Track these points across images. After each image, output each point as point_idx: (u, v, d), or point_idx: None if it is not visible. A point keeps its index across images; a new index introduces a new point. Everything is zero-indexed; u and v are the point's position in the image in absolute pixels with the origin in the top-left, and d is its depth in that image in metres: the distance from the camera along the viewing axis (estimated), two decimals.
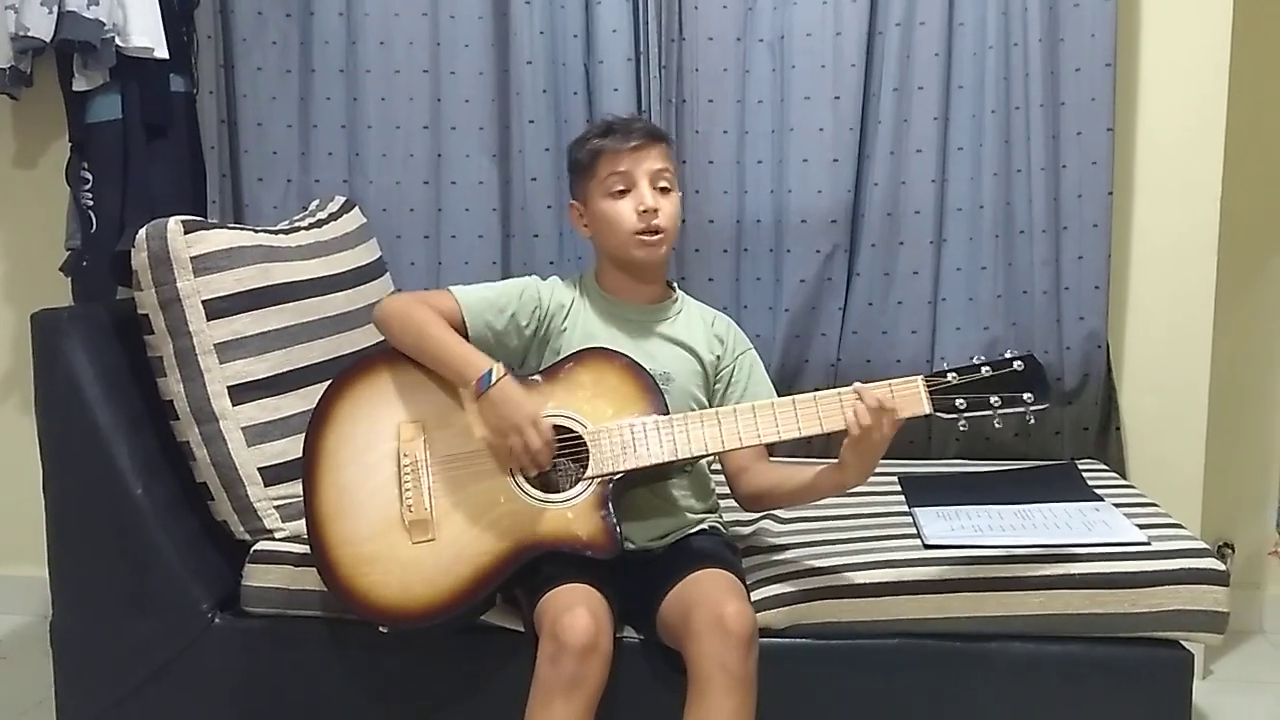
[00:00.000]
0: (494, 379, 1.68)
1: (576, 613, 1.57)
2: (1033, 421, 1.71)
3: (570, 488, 1.71)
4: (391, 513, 1.72)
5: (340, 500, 1.73)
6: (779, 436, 1.70)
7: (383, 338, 1.83)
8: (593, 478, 1.70)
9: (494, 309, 1.82)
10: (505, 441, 1.69)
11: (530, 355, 1.87)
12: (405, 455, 1.74)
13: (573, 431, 1.72)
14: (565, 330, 1.86)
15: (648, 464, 1.70)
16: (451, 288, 1.84)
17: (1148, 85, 2.42)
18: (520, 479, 1.71)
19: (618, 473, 1.69)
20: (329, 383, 1.80)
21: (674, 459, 1.71)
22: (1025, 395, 1.67)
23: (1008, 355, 1.70)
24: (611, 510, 1.68)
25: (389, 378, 1.78)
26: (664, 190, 1.84)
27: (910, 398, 1.66)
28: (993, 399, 1.67)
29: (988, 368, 1.68)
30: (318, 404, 1.79)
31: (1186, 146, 2.41)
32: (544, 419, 1.69)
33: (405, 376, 1.78)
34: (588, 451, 1.71)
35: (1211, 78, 2.38)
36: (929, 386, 1.67)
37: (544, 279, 1.92)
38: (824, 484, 1.74)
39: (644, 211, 1.81)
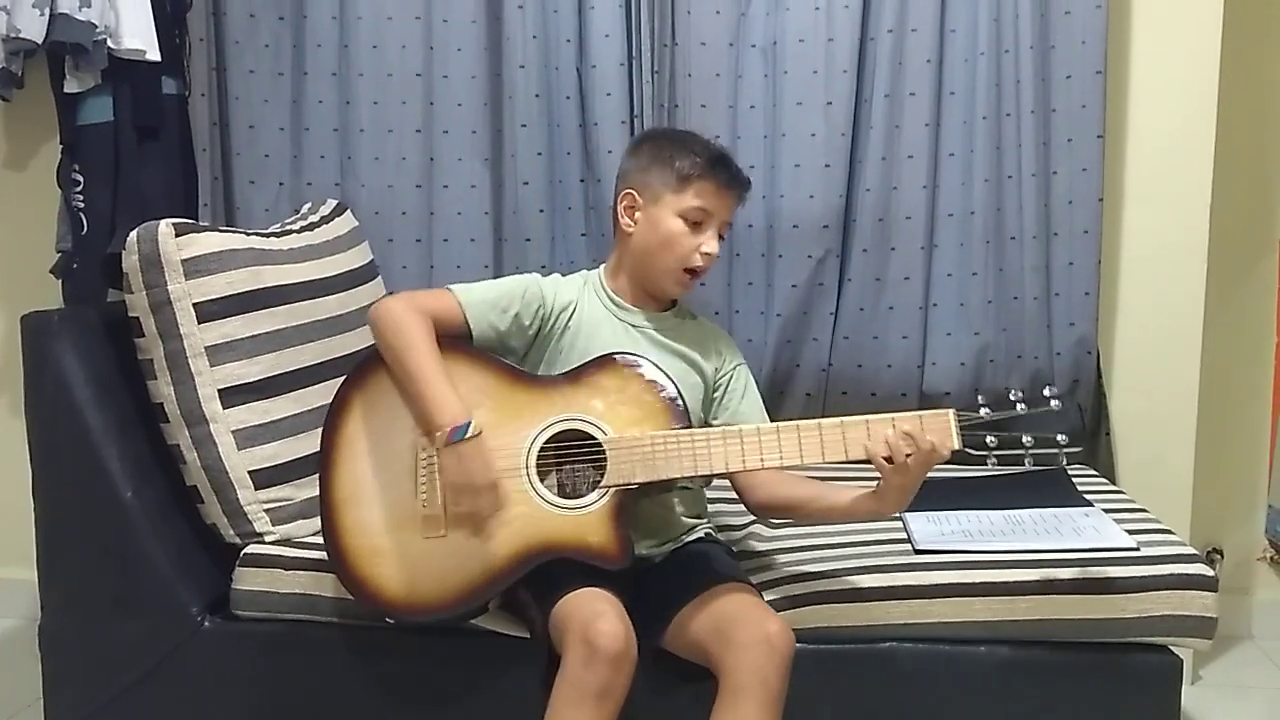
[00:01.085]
0: (469, 434, 1.65)
1: (609, 619, 1.56)
2: (1066, 463, 1.70)
3: (585, 494, 1.70)
4: (406, 506, 1.71)
5: (356, 489, 1.72)
6: (801, 460, 1.67)
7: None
8: (608, 486, 1.68)
9: (497, 309, 1.80)
10: (459, 496, 1.67)
11: (531, 353, 1.85)
12: (423, 450, 1.71)
13: (591, 437, 1.71)
14: (569, 330, 1.84)
15: (666, 477, 1.68)
16: (452, 286, 1.80)
17: (1138, 92, 2.43)
18: (536, 481, 1.70)
19: (634, 483, 1.68)
20: (350, 372, 1.79)
21: (693, 475, 1.69)
22: (1059, 437, 1.66)
23: (1046, 394, 1.68)
24: (625, 521, 1.67)
25: None
26: (721, 237, 1.85)
27: (939, 431, 1.61)
28: (1025, 439, 1.66)
29: (1023, 405, 1.66)
30: (338, 392, 1.77)
31: (1176, 153, 2.42)
32: (502, 486, 1.67)
33: None
34: (605, 458, 1.69)
35: (1201, 85, 2.39)
36: (961, 422, 1.63)
37: (545, 277, 1.90)
38: (860, 510, 1.71)
39: (706, 254, 1.81)
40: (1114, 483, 2.37)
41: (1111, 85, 2.36)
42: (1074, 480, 2.22)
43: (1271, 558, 2.70)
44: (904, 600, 1.75)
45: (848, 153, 2.41)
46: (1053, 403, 1.66)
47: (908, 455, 1.60)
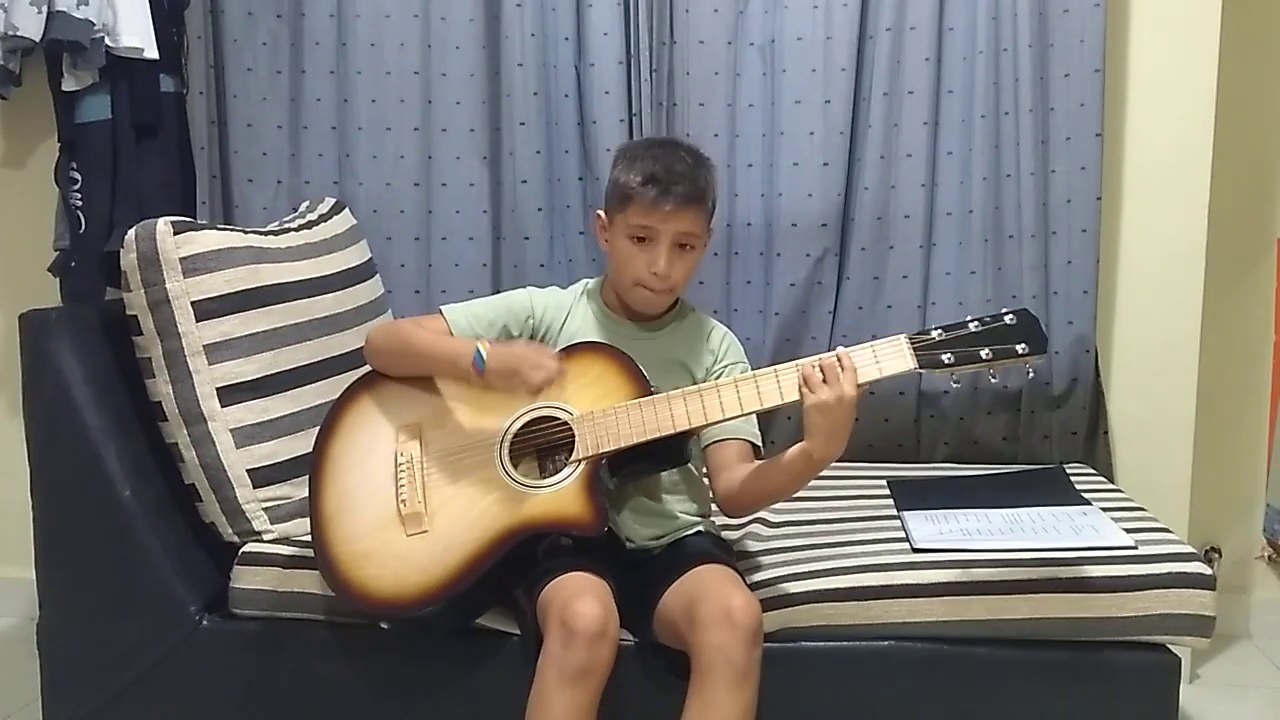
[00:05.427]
0: (485, 356, 1.70)
1: (586, 600, 1.58)
2: (1031, 374, 1.69)
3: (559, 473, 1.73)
4: (388, 509, 1.74)
5: (341, 502, 1.77)
6: (760, 404, 1.69)
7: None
8: (579, 460, 1.71)
9: (483, 322, 1.84)
10: (532, 394, 1.70)
11: None
12: (401, 455, 1.76)
13: (559, 420, 1.74)
14: (561, 339, 1.87)
15: (631, 443, 1.71)
16: (441, 307, 1.86)
17: (1136, 91, 2.43)
18: (510, 469, 1.73)
19: (602, 453, 1.71)
20: (337, 396, 1.84)
21: (656, 435, 1.71)
22: (1019, 346, 1.62)
23: (1002, 311, 1.66)
24: (598, 490, 1.69)
25: (390, 388, 1.82)
26: (684, 248, 1.82)
27: (894, 355, 1.64)
28: (983, 351, 1.62)
29: (976, 323, 1.65)
30: (326, 417, 1.83)
31: (1175, 152, 2.42)
32: (546, 356, 1.70)
33: (405, 386, 1.82)
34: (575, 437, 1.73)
35: (1200, 83, 2.39)
36: (914, 344, 1.64)
37: (539, 286, 1.92)
38: (797, 458, 1.68)
39: (654, 274, 1.80)
40: (1112, 481, 2.37)
41: (1110, 84, 2.36)
42: (1072, 479, 2.22)
43: (1269, 556, 2.70)
44: (902, 599, 1.75)
45: (846, 151, 2.42)
46: (1007, 318, 1.64)
47: (823, 379, 1.61)
